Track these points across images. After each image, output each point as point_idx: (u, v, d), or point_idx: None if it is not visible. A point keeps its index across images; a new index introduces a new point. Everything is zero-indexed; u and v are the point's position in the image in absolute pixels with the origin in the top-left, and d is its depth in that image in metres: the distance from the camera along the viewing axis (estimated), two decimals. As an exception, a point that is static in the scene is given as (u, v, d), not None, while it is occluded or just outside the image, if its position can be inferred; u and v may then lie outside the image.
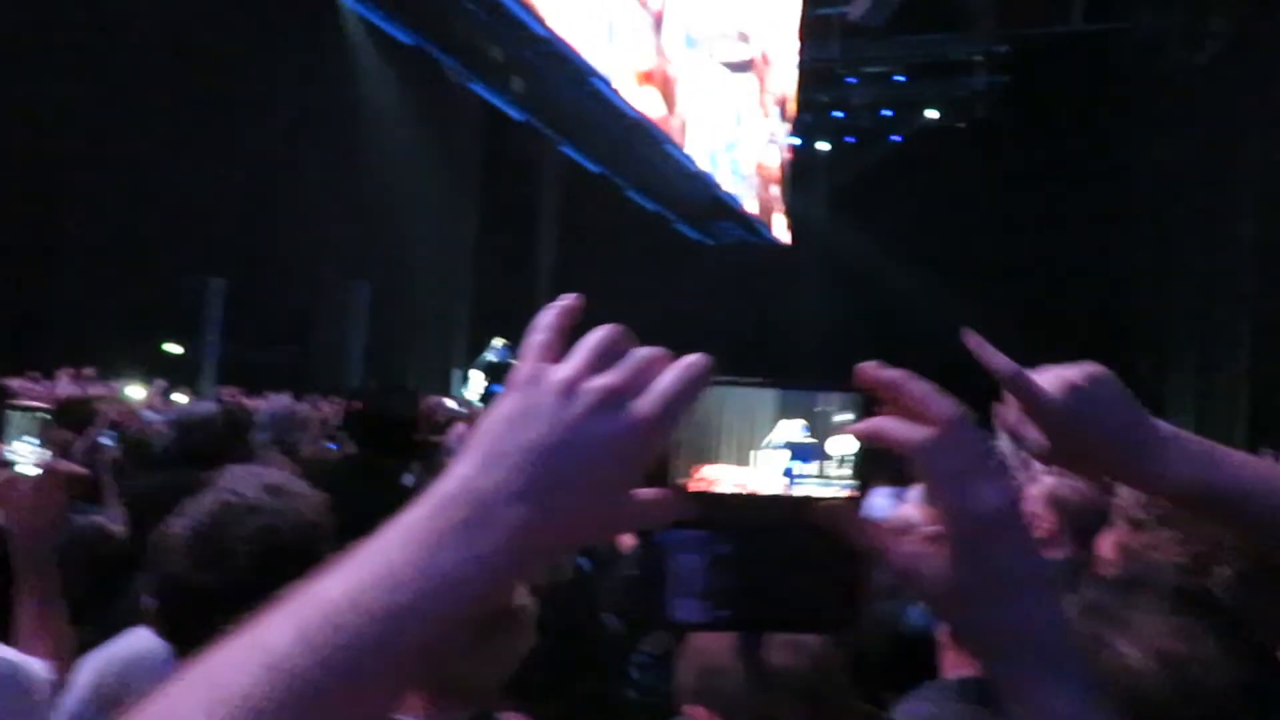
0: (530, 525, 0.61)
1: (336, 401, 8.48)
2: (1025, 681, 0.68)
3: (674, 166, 15.89)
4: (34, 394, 5.25)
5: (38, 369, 8.26)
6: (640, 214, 17.90)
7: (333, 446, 6.13)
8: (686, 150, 15.08)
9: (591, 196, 16.78)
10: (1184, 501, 1.01)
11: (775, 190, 19.22)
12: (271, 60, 12.21)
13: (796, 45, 18.53)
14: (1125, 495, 1.63)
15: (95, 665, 1.93)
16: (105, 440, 4.94)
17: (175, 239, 11.95)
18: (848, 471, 0.73)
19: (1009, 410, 0.98)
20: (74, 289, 12.07)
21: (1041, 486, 2.70)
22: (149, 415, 6.57)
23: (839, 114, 20.69)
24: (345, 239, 14.16)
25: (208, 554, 1.56)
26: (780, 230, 19.75)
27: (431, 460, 5.16)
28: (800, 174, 20.18)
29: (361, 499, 1.84)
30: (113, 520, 3.49)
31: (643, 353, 0.67)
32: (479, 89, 13.30)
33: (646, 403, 0.65)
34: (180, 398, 9.11)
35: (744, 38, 16.59)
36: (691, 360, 0.67)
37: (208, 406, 4.36)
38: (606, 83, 12.70)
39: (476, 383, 13.20)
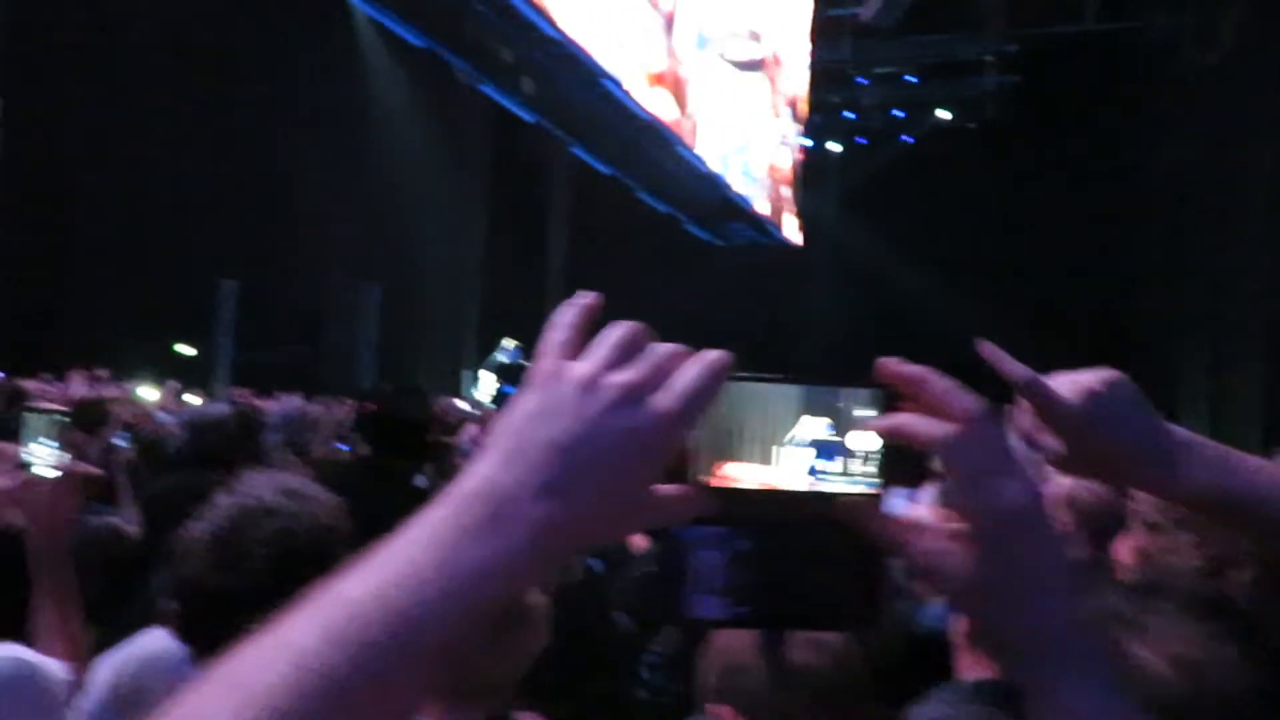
0: (552, 521, 0.61)
1: (348, 403, 8.49)
2: (1048, 679, 0.67)
3: (685, 168, 15.86)
4: (50, 396, 5.28)
5: (50, 370, 8.29)
6: (651, 215, 17.88)
7: (344, 448, 6.16)
8: (698, 151, 15.05)
9: (602, 198, 16.76)
10: (1200, 507, 1.00)
11: (786, 191, 19.18)
12: (283, 62, 12.25)
13: (808, 46, 18.50)
14: (1142, 500, 1.63)
15: (112, 666, 1.95)
16: (120, 442, 4.97)
17: (187, 241, 11.99)
18: (872, 468, 0.73)
19: (1024, 416, 0.97)
20: (86, 290, 12.13)
21: (1057, 488, 2.69)
22: (163, 417, 6.60)
23: (850, 115, 20.60)
24: (356, 240, 14.16)
25: (225, 557, 1.57)
26: (791, 231, 19.71)
27: (444, 462, 5.18)
28: (811, 175, 20.14)
29: (374, 500, 1.85)
30: (127, 521, 3.51)
31: (663, 348, 0.67)
32: (489, 90, 13.29)
33: (667, 398, 0.65)
34: (193, 399, 9.14)
35: (755, 38, 16.56)
36: (712, 356, 0.67)
37: (220, 408, 4.37)
38: (617, 84, 12.68)
39: (487, 384, 13.16)
